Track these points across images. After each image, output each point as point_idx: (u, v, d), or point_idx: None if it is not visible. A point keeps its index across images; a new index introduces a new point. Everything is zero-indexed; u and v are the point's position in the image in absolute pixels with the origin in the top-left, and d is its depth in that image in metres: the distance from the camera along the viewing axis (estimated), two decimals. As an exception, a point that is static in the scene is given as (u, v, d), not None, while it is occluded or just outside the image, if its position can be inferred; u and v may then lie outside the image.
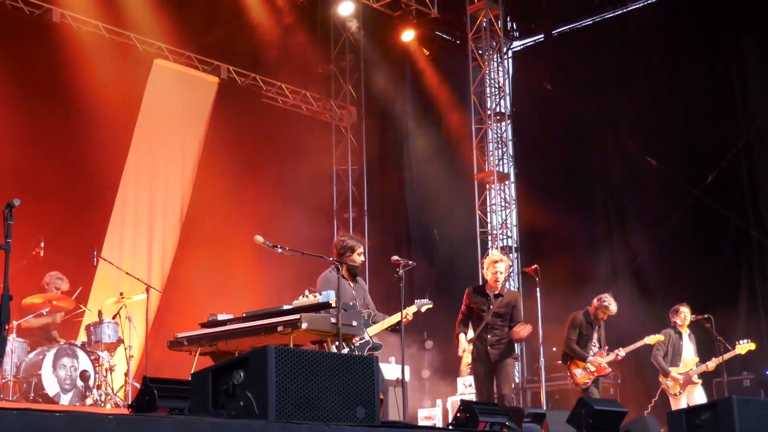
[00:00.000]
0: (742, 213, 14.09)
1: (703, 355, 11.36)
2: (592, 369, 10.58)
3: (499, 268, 9.76)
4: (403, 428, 4.14)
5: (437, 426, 12.26)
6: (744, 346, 11.09)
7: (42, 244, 10.26)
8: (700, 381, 11.21)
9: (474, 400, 9.62)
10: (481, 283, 10.84)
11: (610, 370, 10.90)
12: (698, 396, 11.12)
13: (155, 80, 13.90)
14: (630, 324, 14.33)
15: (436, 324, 15.18)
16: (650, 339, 11.07)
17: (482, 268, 11.00)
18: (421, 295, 15.67)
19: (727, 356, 11.02)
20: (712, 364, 11.08)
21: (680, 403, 10.97)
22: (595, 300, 10.74)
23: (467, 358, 9.68)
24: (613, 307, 10.66)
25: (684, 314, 11.28)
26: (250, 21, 15.08)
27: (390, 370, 11.73)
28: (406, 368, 9.36)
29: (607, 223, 15.79)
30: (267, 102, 15.66)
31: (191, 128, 14.43)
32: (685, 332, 11.36)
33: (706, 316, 11.12)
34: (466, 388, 12.89)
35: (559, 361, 11.22)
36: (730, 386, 11.62)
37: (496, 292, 9.72)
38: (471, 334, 9.73)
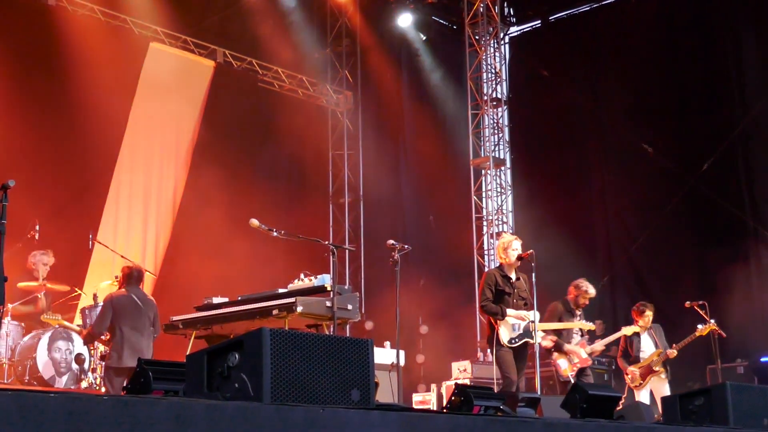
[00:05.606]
0: (738, 201, 14.10)
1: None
2: (575, 360, 10.32)
3: (518, 247, 9.61)
4: (398, 411, 4.14)
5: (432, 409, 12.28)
6: (706, 328, 10.91)
7: (37, 227, 10.22)
8: (661, 369, 10.95)
9: (469, 384, 9.61)
10: (494, 268, 10.24)
11: (591, 361, 10.67)
12: (665, 391, 10.86)
13: (151, 64, 13.87)
14: (625, 310, 14.35)
15: (431, 309, 15.21)
16: (627, 330, 10.94)
17: (489, 252, 10.70)
18: (416, 278, 15.72)
19: (682, 343, 10.84)
20: (673, 352, 10.84)
21: (641, 394, 10.82)
22: (571, 287, 10.44)
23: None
24: (591, 290, 10.40)
25: (648, 317, 11.08)
26: (247, 5, 15.05)
27: (385, 354, 11.74)
28: (401, 353, 9.36)
29: (603, 209, 15.78)
30: (263, 86, 15.62)
31: (187, 112, 14.41)
32: (645, 332, 11.17)
33: (701, 302, 11.07)
34: (460, 372, 12.91)
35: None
36: (724, 373, 11.62)
37: (516, 277, 9.57)
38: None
